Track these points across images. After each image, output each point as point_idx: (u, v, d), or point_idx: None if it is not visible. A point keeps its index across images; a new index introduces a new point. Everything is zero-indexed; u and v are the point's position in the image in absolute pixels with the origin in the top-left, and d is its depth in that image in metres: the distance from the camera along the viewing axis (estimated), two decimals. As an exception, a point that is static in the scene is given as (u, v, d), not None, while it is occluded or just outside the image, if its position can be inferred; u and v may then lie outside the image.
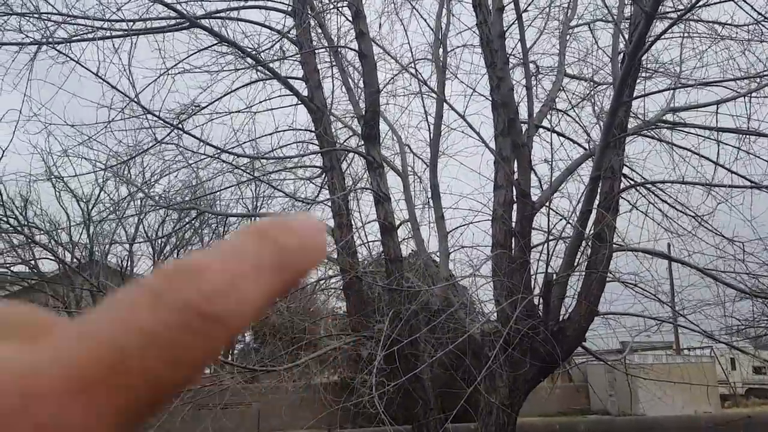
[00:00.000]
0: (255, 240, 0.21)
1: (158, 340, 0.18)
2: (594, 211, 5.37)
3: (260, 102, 6.67)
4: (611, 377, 16.06)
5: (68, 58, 4.91)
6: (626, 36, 5.61)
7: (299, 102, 6.60)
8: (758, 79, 6.47)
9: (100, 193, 13.02)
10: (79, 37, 5.79)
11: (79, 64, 4.80)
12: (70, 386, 0.17)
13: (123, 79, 5.32)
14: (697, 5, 4.97)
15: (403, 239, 6.77)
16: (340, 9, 6.16)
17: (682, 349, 19.78)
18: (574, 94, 7.34)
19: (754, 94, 6.15)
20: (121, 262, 14.60)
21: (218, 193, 6.81)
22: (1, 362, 0.18)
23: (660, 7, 4.82)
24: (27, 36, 5.94)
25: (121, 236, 13.63)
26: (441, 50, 6.86)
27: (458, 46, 7.03)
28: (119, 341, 0.18)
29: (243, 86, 6.55)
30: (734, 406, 18.54)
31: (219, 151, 5.50)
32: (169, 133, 6.04)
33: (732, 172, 5.97)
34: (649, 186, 6.17)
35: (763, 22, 6.04)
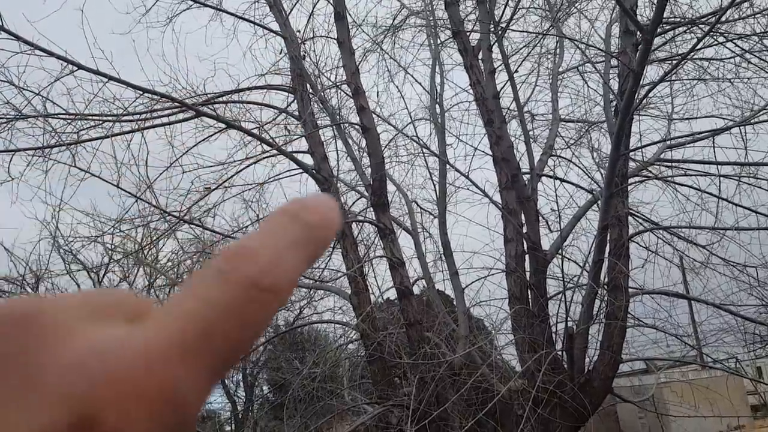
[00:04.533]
0: (287, 220, 0.27)
1: (230, 311, 0.23)
2: (606, 260, 5.46)
3: (270, 178, 6.85)
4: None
5: (78, 169, 5.14)
6: (615, 87, 5.77)
7: (306, 172, 6.78)
8: (750, 109, 6.65)
9: (109, 261, 13.17)
10: (88, 137, 6.00)
11: (90, 173, 5.02)
12: (177, 354, 0.22)
13: (133, 172, 5.53)
14: (686, 56, 5.14)
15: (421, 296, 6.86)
16: (339, 86, 6.39)
17: (706, 363, 19.58)
18: (570, 139, 7.51)
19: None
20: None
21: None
22: (125, 339, 0.23)
23: (648, 58, 4.99)
24: (37, 140, 6.15)
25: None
26: (438, 110, 7.05)
27: (454, 105, 7.24)
28: (204, 316, 0.23)
29: (251, 164, 6.74)
30: (766, 416, 18.23)
31: (227, 238, 5.67)
32: (177, 222, 6.24)
33: (735, 204, 6.06)
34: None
35: (747, 54, 6.22)
